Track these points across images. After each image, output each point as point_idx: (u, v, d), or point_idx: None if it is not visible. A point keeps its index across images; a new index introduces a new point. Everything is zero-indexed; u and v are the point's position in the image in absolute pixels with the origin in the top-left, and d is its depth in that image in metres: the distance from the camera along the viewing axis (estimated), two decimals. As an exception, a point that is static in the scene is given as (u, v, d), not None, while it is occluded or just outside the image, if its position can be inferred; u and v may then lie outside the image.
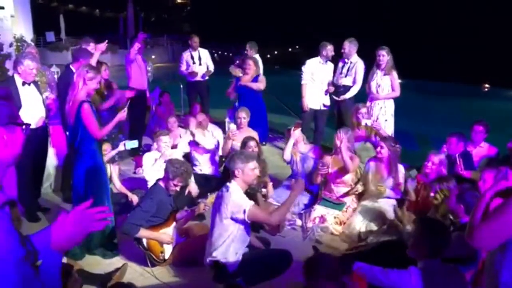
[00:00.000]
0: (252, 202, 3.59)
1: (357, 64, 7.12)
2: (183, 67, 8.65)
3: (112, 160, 5.45)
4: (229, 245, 3.60)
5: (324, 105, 7.55)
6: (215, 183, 5.53)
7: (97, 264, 4.30)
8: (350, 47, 7.12)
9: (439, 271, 2.78)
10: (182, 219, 4.58)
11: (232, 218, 3.54)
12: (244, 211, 3.49)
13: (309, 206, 5.35)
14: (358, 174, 5.49)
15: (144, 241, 4.16)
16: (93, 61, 5.45)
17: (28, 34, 8.21)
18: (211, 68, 8.70)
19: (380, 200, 5.09)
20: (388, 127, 6.66)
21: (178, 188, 4.37)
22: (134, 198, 5.22)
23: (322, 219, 5.05)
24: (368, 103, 6.79)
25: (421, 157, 5.14)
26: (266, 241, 4.41)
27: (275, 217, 3.65)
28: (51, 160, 5.94)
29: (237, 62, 8.55)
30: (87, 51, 5.72)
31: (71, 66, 5.49)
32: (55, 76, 7.88)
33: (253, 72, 7.61)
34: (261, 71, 8.01)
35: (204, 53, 8.69)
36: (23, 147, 1.61)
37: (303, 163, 5.75)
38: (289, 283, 3.60)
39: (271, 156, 7.21)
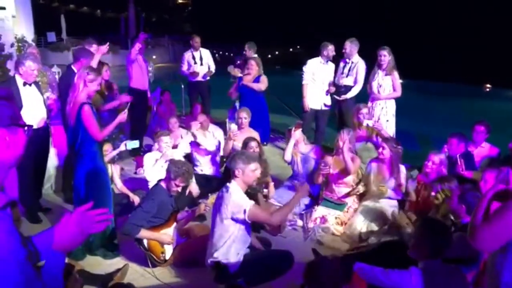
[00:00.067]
0: (252, 202, 3.58)
1: (358, 64, 7.12)
2: (185, 67, 8.65)
3: (112, 161, 5.45)
4: (230, 245, 3.60)
5: (325, 105, 7.55)
6: (216, 183, 5.52)
7: (98, 264, 4.30)
8: (351, 47, 7.12)
9: (440, 272, 2.78)
10: (183, 219, 4.58)
11: (232, 219, 3.54)
12: (245, 211, 3.48)
13: (310, 207, 5.35)
14: (360, 174, 5.49)
15: (145, 241, 4.16)
16: (94, 63, 5.45)
17: (29, 34, 8.21)
18: (213, 68, 8.70)
19: (381, 200, 5.09)
20: (389, 128, 6.65)
21: (179, 189, 4.37)
22: (136, 199, 5.22)
23: (323, 219, 5.05)
24: (369, 104, 6.78)
25: (422, 157, 5.14)
26: (267, 241, 4.41)
27: (276, 218, 3.65)
28: (52, 161, 5.94)
29: (238, 62, 8.56)
30: (88, 50, 5.72)
31: (72, 66, 5.50)
32: (56, 77, 7.90)
33: (255, 72, 7.61)
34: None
35: (206, 53, 8.69)
36: (24, 148, 1.61)
37: (304, 164, 5.75)
38: (290, 284, 3.61)
39: (272, 156, 7.21)
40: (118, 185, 5.39)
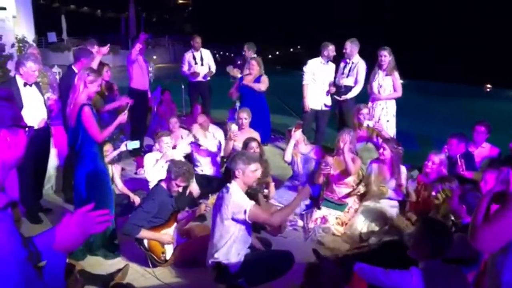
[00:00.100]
0: (252, 202, 3.58)
1: (359, 65, 7.12)
2: (185, 68, 8.65)
3: (113, 161, 5.45)
4: (231, 246, 3.60)
5: (326, 106, 7.55)
6: (217, 184, 5.52)
7: (99, 265, 4.30)
8: (351, 47, 7.11)
9: (440, 272, 2.78)
10: (183, 220, 4.58)
11: (233, 219, 3.54)
12: (245, 212, 3.48)
13: (310, 207, 5.35)
14: (360, 175, 5.48)
15: (145, 242, 4.17)
16: (94, 64, 5.45)
17: (30, 35, 8.22)
18: (213, 69, 8.69)
19: (382, 201, 5.09)
20: (390, 128, 6.64)
21: (180, 189, 4.37)
22: (136, 199, 5.22)
23: (324, 219, 5.05)
24: (369, 104, 6.78)
25: (423, 158, 5.14)
26: (267, 242, 4.41)
27: (276, 218, 3.65)
28: (53, 161, 5.95)
29: (239, 62, 8.56)
30: (88, 50, 5.72)
31: (73, 67, 5.50)
32: (57, 77, 7.90)
33: (256, 72, 7.61)
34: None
35: (206, 54, 8.68)
36: (25, 149, 1.61)
37: (304, 164, 5.75)
38: (291, 284, 3.61)
39: (273, 156, 7.21)
40: (119, 186, 5.40)
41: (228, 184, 3.66)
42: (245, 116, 6.13)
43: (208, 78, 8.64)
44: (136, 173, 6.79)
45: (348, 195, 5.34)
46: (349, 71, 7.16)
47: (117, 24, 37.61)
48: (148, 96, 7.78)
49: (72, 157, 4.72)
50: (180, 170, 4.25)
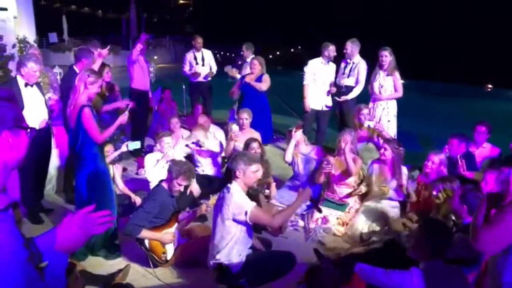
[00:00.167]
0: (254, 204, 3.58)
1: (360, 65, 7.12)
2: (186, 68, 8.65)
3: (114, 162, 5.46)
4: (232, 247, 3.60)
5: (326, 106, 7.54)
6: (217, 184, 5.53)
7: (100, 265, 4.31)
8: (352, 47, 7.11)
9: (441, 272, 2.78)
10: (184, 220, 4.59)
11: (234, 220, 3.53)
12: (246, 213, 3.48)
13: (311, 207, 5.35)
14: (361, 175, 5.48)
15: (146, 242, 4.17)
16: (95, 67, 5.46)
17: (31, 35, 8.22)
18: (214, 69, 8.69)
19: (383, 201, 5.09)
20: (390, 128, 6.64)
21: (181, 188, 4.37)
22: (137, 200, 5.23)
23: (325, 220, 5.05)
24: (370, 104, 6.78)
25: (423, 158, 5.14)
26: (268, 242, 4.41)
27: (277, 220, 3.64)
28: (54, 162, 5.95)
29: (239, 62, 8.55)
30: (89, 50, 5.72)
31: (74, 67, 5.50)
32: (58, 77, 7.90)
33: (258, 71, 7.59)
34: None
35: (207, 54, 8.68)
36: (26, 150, 1.61)
37: (305, 164, 5.75)
38: (292, 285, 3.61)
39: (273, 156, 7.21)
40: (120, 186, 5.40)
41: (229, 185, 3.65)
42: (245, 116, 6.13)
43: (209, 79, 8.64)
44: (137, 174, 6.79)
45: (349, 195, 5.34)
46: (350, 71, 7.16)
47: (118, 24, 37.59)
48: (149, 97, 7.78)
49: (73, 158, 4.73)
50: (181, 169, 4.26)
